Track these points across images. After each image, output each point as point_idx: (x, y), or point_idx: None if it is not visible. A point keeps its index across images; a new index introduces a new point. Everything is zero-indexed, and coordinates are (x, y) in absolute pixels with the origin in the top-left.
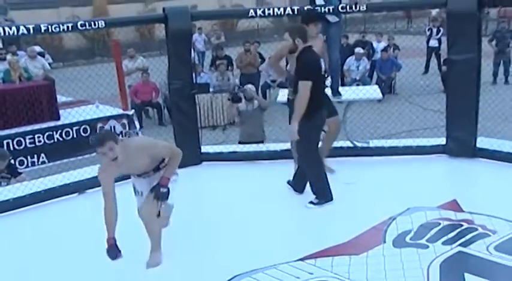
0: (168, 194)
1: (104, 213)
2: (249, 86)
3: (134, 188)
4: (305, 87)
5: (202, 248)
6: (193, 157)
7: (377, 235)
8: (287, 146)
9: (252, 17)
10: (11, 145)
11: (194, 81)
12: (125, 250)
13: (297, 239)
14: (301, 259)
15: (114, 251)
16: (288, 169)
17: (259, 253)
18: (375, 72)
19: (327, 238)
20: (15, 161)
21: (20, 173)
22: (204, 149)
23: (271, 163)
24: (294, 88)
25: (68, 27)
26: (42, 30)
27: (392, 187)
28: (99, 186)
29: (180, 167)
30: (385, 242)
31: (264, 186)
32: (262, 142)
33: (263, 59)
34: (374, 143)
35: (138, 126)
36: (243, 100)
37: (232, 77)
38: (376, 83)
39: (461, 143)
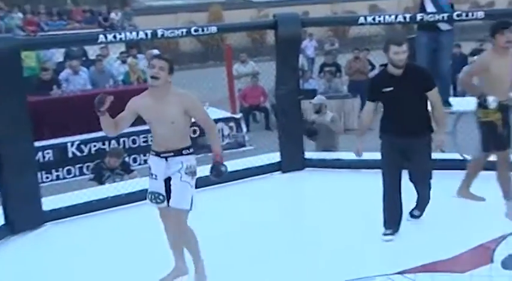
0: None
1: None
2: (319, 96)
3: (150, 169)
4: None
5: (300, 254)
6: (296, 162)
7: (484, 253)
8: None
9: (361, 24)
10: (126, 143)
11: (301, 87)
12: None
13: (396, 252)
14: (400, 273)
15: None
16: None
17: (357, 263)
18: None
19: (429, 252)
20: (129, 159)
21: (133, 171)
22: (308, 155)
23: (375, 172)
24: None
25: (182, 32)
26: (159, 35)
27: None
28: (207, 186)
29: (283, 171)
30: (492, 262)
31: (365, 195)
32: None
33: (373, 66)
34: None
35: (245, 129)
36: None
37: (340, 85)
38: None
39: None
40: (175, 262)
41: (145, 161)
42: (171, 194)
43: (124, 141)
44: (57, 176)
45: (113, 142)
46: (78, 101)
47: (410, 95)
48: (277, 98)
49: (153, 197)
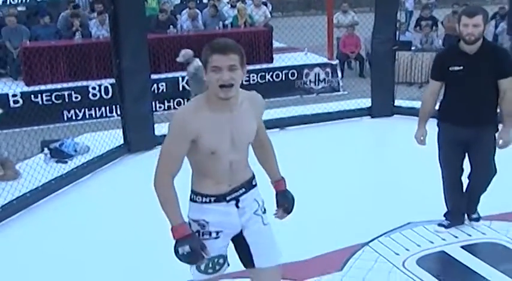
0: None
1: (160, 191)
2: (187, 50)
3: (200, 225)
4: None
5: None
6: (385, 108)
7: None
8: None
9: None
10: None
11: (397, 38)
12: None
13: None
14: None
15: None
16: None
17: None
18: None
19: (504, 202)
20: None
21: None
22: (397, 102)
23: None
24: None
25: None
26: None
27: None
28: (297, 124)
29: (372, 116)
30: None
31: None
32: None
33: None
34: None
35: (340, 75)
36: None
37: (436, 38)
38: None
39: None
40: None
41: None
42: (259, 248)
43: None
44: (169, 106)
45: None
46: (191, 40)
47: (483, 78)
48: (373, 47)
49: (210, 264)
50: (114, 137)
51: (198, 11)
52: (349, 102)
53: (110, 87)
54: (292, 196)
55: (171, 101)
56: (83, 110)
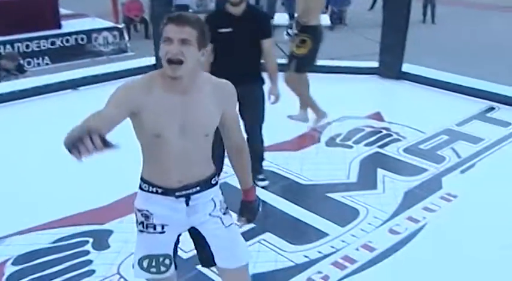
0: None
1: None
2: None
3: (144, 217)
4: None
5: None
6: None
7: (314, 136)
8: None
9: None
10: (20, 48)
11: (173, 1)
12: None
13: None
14: None
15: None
16: None
17: None
18: (329, 6)
19: (274, 136)
20: (23, 61)
21: (26, 71)
22: None
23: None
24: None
25: None
26: None
27: (331, 98)
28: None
29: None
30: (319, 142)
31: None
32: None
33: None
34: (321, 62)
35: (127, 38)
36: None
37: (210, 1)
38: (330, 15)
39: (390, 66)
40: None
41: (39, 64)
42: (220, 251)
43: (18, 46)
44: None
45: (8, 46)
46: None
47: (248, 39)
48: (152, 11)
49: (154, 263)
50: None
51: None
52: (136, 61)
53: None
54: (259, 204)
55: None
56: None
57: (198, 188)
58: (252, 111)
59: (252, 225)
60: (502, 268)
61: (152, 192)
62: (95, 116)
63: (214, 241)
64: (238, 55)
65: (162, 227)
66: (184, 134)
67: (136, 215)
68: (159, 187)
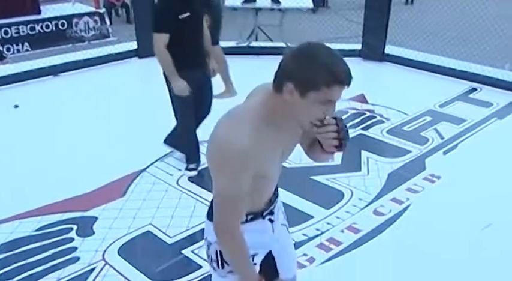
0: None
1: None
2: None
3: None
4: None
5: None
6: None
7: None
8: None
9: None
10: None
11: None
12: None
13: None
14: None
15: None
16: None
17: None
18: None
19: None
20: (3, 48)
21: (5, 58)
22: None
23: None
24: None
25: None
26: None
27: None
28: (70, 70)
29: (140, 57)
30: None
31: None
32: None
33: None
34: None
35: (108, 23)
36: None
37: None
38: None
39: (372, 48)
40: None
41: (18, 51)
42: (287, 261)
43: None
44: None
45: None
46: None
47: (201, 22)
48: None
49: None
50: None
51: None
52: (118, 46)
53: None
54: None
55: None
56: None
57: (275, 197)
58: (210, 92)
59: None
60: (485, 247)
61: (241, 222)
62: (237, 207)
63: (284, 252)
64: (197, 39)
65: (253, 258)
66: (281, 162)
67: (217, 255)
68: (248, 214)
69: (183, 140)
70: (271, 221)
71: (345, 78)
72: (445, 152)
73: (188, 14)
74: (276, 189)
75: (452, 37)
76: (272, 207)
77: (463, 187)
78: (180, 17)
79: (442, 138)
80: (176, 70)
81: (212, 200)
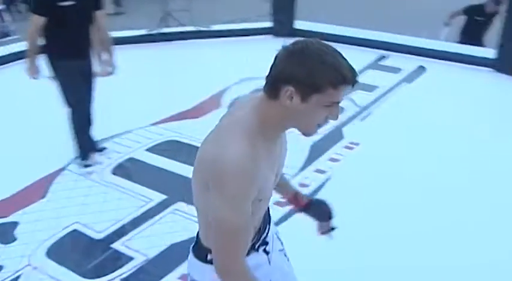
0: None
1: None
2: None
3: None
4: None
5: None
6: None
7: (214, 101)
8: None
9: None
10: None
11: None
12: None
13: (149, 108)
14: (153, 124)
15: None
16: None
17: (119, 120)
18: None
19: (174, 106)
20: None
21: None
22: None
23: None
24: None
25: None
26: None
27: (228, 62)
28: None
29: None
30: (221, 106)
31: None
32: None
33: None
34: (215, 27)
35: (9, 20)
36: None
37: None
38: None
39: (283, 25)
40: None
41: None
42: None
43: None
44: None
45: None
46: None
47: (87, 12)
48: None
49: None
50: None
51: None
52: (22, 44)
53: None
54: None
55: None
56: None
57: (267, 225)
58: (92, 85)
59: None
60: (404, 210)
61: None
62: (243, 241)
63: (286, 279)
64: (79, 28)
65: None
66: (276, 181)
67: None
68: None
69: (76, 135)
70: (266, 252)
71: (352, 77)
72: (361, 119)
73: (72, 2)
74: (268, 213)
75: (361, 7)
76: (265, 236)
77: (381, 151)
78: (60, 3)
79: (358, 106)
80: (56, 58)
81: (198, 232)
